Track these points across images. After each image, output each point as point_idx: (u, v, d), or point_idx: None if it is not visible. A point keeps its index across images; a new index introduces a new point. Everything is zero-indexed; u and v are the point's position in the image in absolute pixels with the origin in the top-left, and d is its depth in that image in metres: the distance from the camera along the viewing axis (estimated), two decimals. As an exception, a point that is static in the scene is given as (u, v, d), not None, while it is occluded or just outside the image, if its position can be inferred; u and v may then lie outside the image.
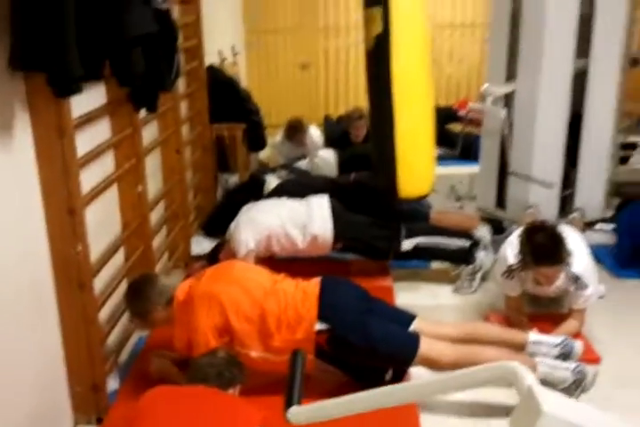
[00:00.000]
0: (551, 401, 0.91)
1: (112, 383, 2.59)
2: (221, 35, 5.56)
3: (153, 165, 3.39)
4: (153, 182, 3.28)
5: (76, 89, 2.04)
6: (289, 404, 1.32)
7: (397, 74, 3.14)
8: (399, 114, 3.19)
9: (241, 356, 2.42)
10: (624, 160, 5.06)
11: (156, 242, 3.33)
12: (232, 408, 1.90)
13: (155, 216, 3.30)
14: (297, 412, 1.31)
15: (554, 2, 3.74)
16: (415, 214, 3.66)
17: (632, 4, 3.92)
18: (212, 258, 3.38)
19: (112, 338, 2.68)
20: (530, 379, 0.96)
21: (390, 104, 3.18)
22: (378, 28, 3.12)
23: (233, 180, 4.70)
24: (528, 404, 0.92)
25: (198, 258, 3.74)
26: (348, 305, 2.50)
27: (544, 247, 2.61)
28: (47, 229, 2.19)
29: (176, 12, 3.64)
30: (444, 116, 6.05)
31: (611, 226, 4.01)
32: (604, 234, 3.97)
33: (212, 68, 4.61)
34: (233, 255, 3.27)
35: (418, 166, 3.27)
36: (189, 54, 3.98)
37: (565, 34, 3.81)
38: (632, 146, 5.49)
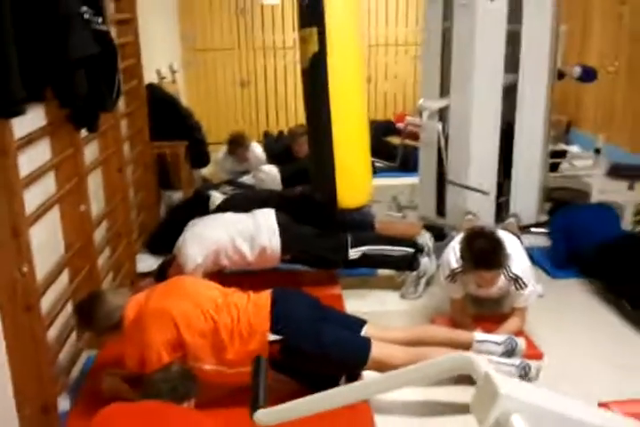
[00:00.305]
0: (508, 384, 0.96)
1: (63, 404, 2.54)
2: (159, 54, 5.57)
3: (95, 185, 3.36)
4: (95, 202, 3.25)
5: (18, 111, 2.04)
6: (255, 407, 1.35)
7: (333, 90, 3.25)
8: (336, 128, 3.30)
9: (194, 369, 2.42)
10: (554, 167, 5.33)
11: (101, 261, 3.29)
12: (187, 421, 1.90)
13: (98, 235, 3.27)
14: (263, 414, 1.34)
15: (482, 20, 3.93)
16: (360, 224, 3.74)
17: (557, 19, 4.16)
18: (160, 275, 3.36)
19: (61, 358, 2.63)
20: (485, 366, 1.01)
21: (327, 119, 3.29)
22: (314, 48, 3.22)
23: (176, 196, 4.68)
24: (486, 389, 0.97)
25: (144, 275, 3.72)
26: (300, 314, 2.54)
27: (483, 253, 2.71)
28: (-9, 249, 2.15)
29: (114, 33, 3.64)
30: (383, 129, 6.23)
31: (544, 230, 4.20)
32: (539, 237, 4.15)
33: (151, 87, 4.61)
34: (182, 271, 3.26)
35: (355, 177, 3.39)
36: (128, 74, 3.97)
37: (495, 50, 4.01)
38: (561, 154, 5.78)
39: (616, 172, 4.92)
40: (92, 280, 3.02)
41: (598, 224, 3.65)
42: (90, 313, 2.52)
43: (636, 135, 5.46)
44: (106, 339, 2.56)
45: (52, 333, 2.57)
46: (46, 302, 2.52)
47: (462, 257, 2.79)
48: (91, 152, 3.32)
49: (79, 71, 2.31)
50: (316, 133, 3.46)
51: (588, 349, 2.94)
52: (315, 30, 3.17)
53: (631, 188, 4.44)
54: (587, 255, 3.50)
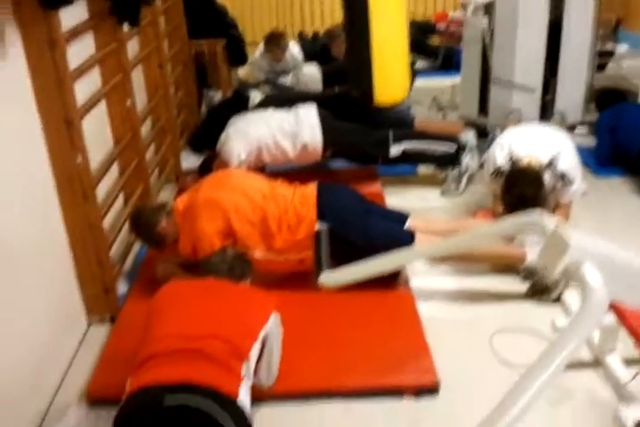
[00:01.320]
0: (577, 236, 1.01)
1: (121, 287, 2.69)
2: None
3: (137, 81, 3.36)
4: (139, 98, 3.27)
5: (66, 0, 2.02)
6: (319, 271, 1.42)
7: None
8: (374, 22, 3.19)
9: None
10: (601, 67, 5.13)
11: (148, 156, 3.35)
12: (247, 295, 2.00)
13: (144, 131, 3.31)
14: (327, 277, 1.41)
15: None
16: (400, 122, 3.70)
17: None
18: (204, 170, 3.41)
19: (116, 246, 2.75)
20: (554, 223, 1.06)
21: (365, 13, 3.17)
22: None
23: (216, 96, 4.67)
24: (554, 242, 1.02)
25: (188, 173, 3.79)
26: (346, 205, 2.60)
27: (522, 200, 2.60)
28: (46, 141, 2.21)
29: None
30: (424, 29, 6.01)
31: (589, 129, 4.12)
32: (584, 137, 4.09)
33: (186, -17, 4.47)
34: (226, 167, 3.31)
35: (391, 73, 3.32)
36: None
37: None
38: (608, 53, 5.55)
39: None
40: (140, 174, 3.10)
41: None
42: (141, 217, 2.64)
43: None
44: (163, 240, 2.63)
45: (107, 222, 2.67)
46: (101, 192, 2.60)
47: (502, 198, 2.74)
48: (132, 48, 3.29)
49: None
50: (352, 28, 3.36)
51: (629, 246, 2.95)
52: None
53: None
54: (632, 154, 3.45)
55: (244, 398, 1.67)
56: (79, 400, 2.11)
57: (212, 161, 3.45)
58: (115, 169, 2.91)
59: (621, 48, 5.94)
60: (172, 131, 3.78)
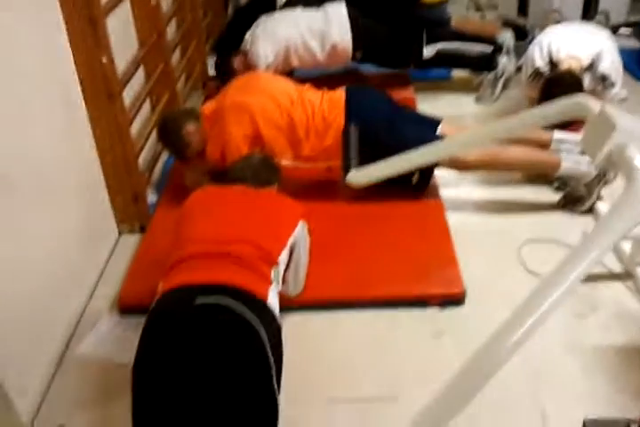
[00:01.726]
0: (625, 118, 0.95)
1: (150, 197, 2.69)
2: None
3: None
4: (163, -2, 3.13)
5: None
6: (347, 169, 1.39)
7: None
8: None
9: (273, 163, 2.50)
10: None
11: (174, 60, 3.26)
12: (275, 202, 2.00)
13: (169, 33, 3.20)
14: (355, 175, 1.39)
15: None
16: (436, 21, 3.52)
17: None
18: (221, 70, 3.31)
19: (144, 154, 2.74)
20: (600, 104, 1.00)
21: None
22: None
23: (243, -2, 4.45)
24: (600, 123, 0.95)
25: (215, 78, 3.70)
26: (376, 108, 2.52)
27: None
28: (70, 41, 2.14)
29: None
30: None
31: (634, 31, 3.89)
32: (628, 38, 3.86)
33: None
34: (252, 69, 3.22)
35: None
36: None
37: None
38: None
39: None
40: (167, 80, 3.03)
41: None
42: (169, 122, 2.58)
43: None
44: (191, 146, 2.56)
45: (134, 128, 2.65)
46: (127, 98, 2.55)
47: (539, 104, 2.59)
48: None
49: None
50: None
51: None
52: None
53: None
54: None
55: (272, 301, 1.71)
56: (110, 308, 2.16)
57: (228, 60, 3.31)
58: (140, 73, 2.84)
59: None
60: (197, 34, 3.66)
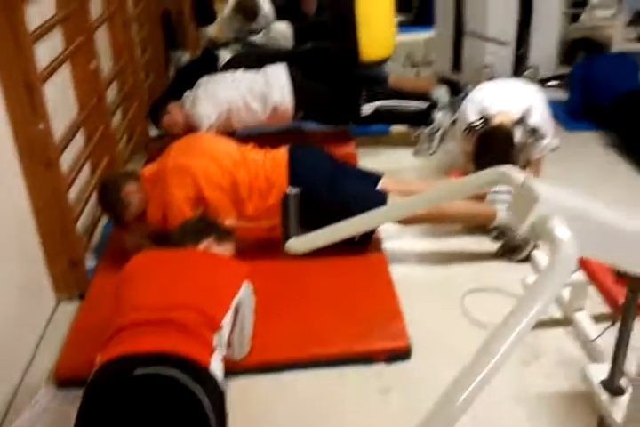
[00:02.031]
0: (547, 189, 0.99)
1: (89, 262, 2.62)
2: None
3: (102, 43, 3.26)
4: (103, 61, 3.17)
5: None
6: (287, 237, 1.41)
7: None
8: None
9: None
10: (574, 18, 5.06)
11: (115, 123, 3.28)
12: (218, 264, 1.98)
13: (110, 96, 3.23)
14: (295, 242, 1.40)
15: None
16: (374, 79, 3.64)
17: None
18: (154, 115, 3.34)
19: (83, 219, 2.69)
20: (523, 176, 1.04)
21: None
22: None
23: (185, 57, 4.55)
24: (524, 194, 0.99)
25: (158, 139, 3.71)
26: (318, 167, 2.57)
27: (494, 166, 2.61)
28: (6, 106, 2.14)
29: None
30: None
31: (563, 82, 4.10)
32: (556, 90, 4.06)
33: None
34: (191, 127, 3.25)
35: (379, 29, 3.24)
36: None
37: None
38: (581, 3, 5.45)
39: (638, 20, 4.67)
40: (107, 142, 3.04)
41: (617, 76, 3.56)
42: (108, 186, 2.54)
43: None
44: (131, 210, 2.53)
45: (73, 192, 2.62)
46: (65, 162, 2.54)
47: (474, 161, 2.72)
48: (95, 7, 3.18)
49: None
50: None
51: (603, 199, 2.97)
52: None
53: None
54: (603, 107, 3.44)
55: (215, 367, 1.68)
56: (47, 381, 2.07)
57: (163, 105, 3.34)
58: (80, 137, 2.84)
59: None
60: (139, 95, 3.69)
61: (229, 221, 2.52)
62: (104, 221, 2.93)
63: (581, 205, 1.01)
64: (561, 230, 0.94)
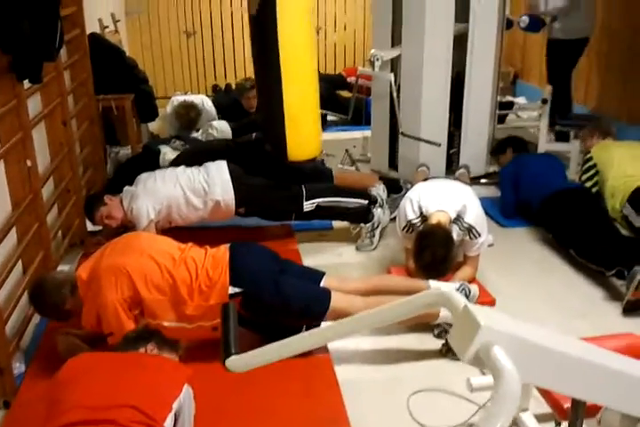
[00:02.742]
0: (488, 316, 0.97)
1: (17, 367, 2.48)
2: (101, 1, 5.31)
3: (39, 140, 3.23)
4: (41, 157, 3.13)
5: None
6: (227, 354, 1.35)
7: (282, 38, 3.14)
8: (285, 78, 3.21)
9: (154, 327, 2.41)
10: (501, 119, 5.39)
11: (50, 219, 3.20)
12: (159, 366, 1.89)
13: (46, 192, 3.17)
14: (235, 360, 1.34)
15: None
16: (319, 175, 3.73)
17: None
18: (91, 209, 3.32)
19: (13, 320, 2.56)
20: (464, 300, 1.02)
21: (276, 68, 3.20)
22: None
23: (124, 153, 4.55)
24: (465, 322, 0.98)
25: (94, 234, 3.64)
26: (259, 266, 2.54)
27: (432, 265, 2.72)
28: None
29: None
30: (335, 83, 6.16)
31: (494, 180, 4.29)
32: (488, 188, 4.24)
33: (93, 36, 4.40)
34: (130, 223, 3.21)
35: (304, 130, 3.34)
36: (69, 22, 3.77)
37: (445, -1, 3.97)
38: (508, 105, 5.85)
39: (563, 122, 5.01)
40: (41, 240, 2.94)
41: (544, 175, 3.74)
42: (43, 292, 2.46)
43: (580, 86, 5.55)
44: (68, 312, 2.46)
45: (2, 293, 2.50)
46: (-4, 262, 2.44)
47: (414, 258, 2.81)
48: (34, 105, 3.18)
49: (21, 13, 2.18)
50: (264, 84, 3.38)
51: (537, 293, 3.05)
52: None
53: (576, 137, 4.53)
54: (533, 206, 3.59)
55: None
56: None
57: (101, 200, 3.31)
58: (13, 235, 2.75)
59: (519, 100, 6.29)
60: (76, 191, 3.63)
61: (168, 323, 2.43)
62: (36, 319, 2.79)
63: (525, 332, 1.01)
64: (503, 360, 0.93)
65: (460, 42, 4.16)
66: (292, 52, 3.19)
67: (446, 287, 2.69)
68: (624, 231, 3.45)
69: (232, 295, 2.44)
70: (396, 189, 3.81)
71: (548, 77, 5.04)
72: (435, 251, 2.70)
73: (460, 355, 0.97)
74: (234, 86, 6.08)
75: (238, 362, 1.34)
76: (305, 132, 3.36)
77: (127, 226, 3.31)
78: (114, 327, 2.36)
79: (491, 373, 0.93)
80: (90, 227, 3.71)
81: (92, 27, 4.56)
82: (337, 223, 3.73)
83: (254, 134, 4.33)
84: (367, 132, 4.84)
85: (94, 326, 2.41)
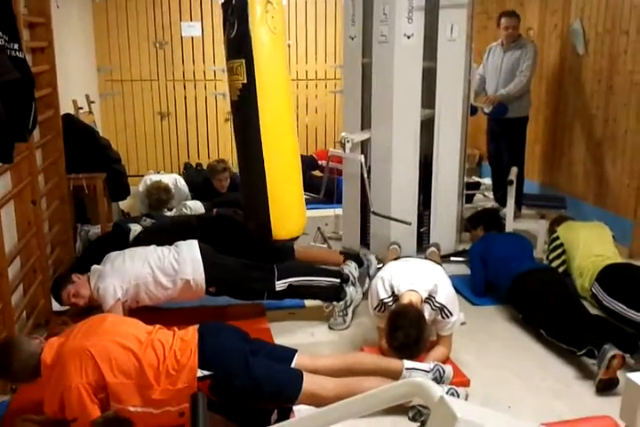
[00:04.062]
0: (464, 408, 0.96)
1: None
2: (76, 83, 5.44)
3: (7, 218, 3.21)
4: (8, 236, 3.09)
5: None
6: None
7: (263, 121, 3.24)
8: (268, 159, 3.27)
9: (119, 411, 2.31)
10: (469, 199, 5.54)
11: (15, 299, 3.11)
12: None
13: (12, 272, 3.10)
14: None
15: (400, 56, 4.08)
16: (281, 250, 3.72)
17: (469, 56, 4.37)
18: (57, 289, 3.25)
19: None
20: (439, 391, 1.01)
21: (258, 150, 3.27)
22: (242, 79, 3.23)
23: (94, 231, 4.52)
24: (442, 413, 0.96)
25: (60, 314, 3.54)
26: (229, 348, 2.48)
27: (405, 346, 2.73)
28: None
29: (29, 60, 3.53)
30: (308, 164, 6.30)
31: (463, 258, 4.34)
32: (458, 265, 4.28)
33: (67, 117, 4.47)
34: (97, 303, 3.15)
35: (289, 209, 3.37)
36: (43, 103, 3.85)
37: (412, 85, 4.17)
38: (474, 185, 6.03)
39: (529, 202, 5.16)
40: (5, 319, 2.86)
41: (512, 255, 3.78)
42: (4, 362, 2.38)
43: (545, 167, 5.77)
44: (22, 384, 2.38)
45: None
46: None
47: (386, 338, 2.80)
48: (4, 184, 3.18)
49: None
50: (247, 165, 3.43)
51: (511, 373, 3.02)
52: (242, 62, 3.18)
53: (542, 217, 4.65)
54: (502, 286, 3.62)
55: None
56: None
57: (68, 279, 3.25)
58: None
59: (485, 181, 6.48)
60: (43, 270, 3.57)
61: (133, 408, 2.34)
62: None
63: (500, 425, 1.00)
64: None
65: (428, 126, 4.32)
66: (274, 135, 3.27)
67: (422, 376, 2.66)
68: (593, 310, 3.48)
69: (201, 378, 2.36)
70: (358, 262, 3.81)
71: (510, 157, 5.29)
72: (408, 332, 2.69)
73: None
74: (205, 167, 6.18)
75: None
76: (290, 212, 3.38)
77: (94, 306, 3.24)
78: (77, 413, 2.26)
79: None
80: (55, 306, 3.62)
81: (66, 107, 4.65)
82: (309, 302, 3.70)
83: (215, 210, 4.36)
84: (339, 211, 4.90)
85: (57, 413, 2.30)
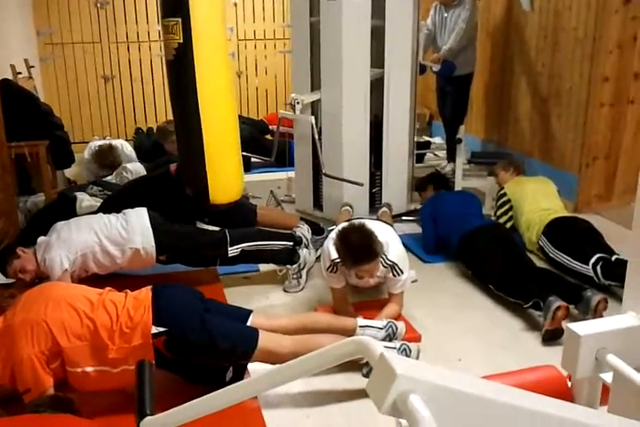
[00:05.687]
0: (404, 364, 0.96)
1: None
2: (13, 48, 5.21)
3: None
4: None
5: None
6: (141, 415, 1.28)
7: (200, 82, 3.17)
8: (204, 121, 3.22)
9: (76, 375, 2.31)
10: (419, 158, 5.57)
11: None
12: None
13: (-46, 244, 3.01)
14: (150, 422, 1.27)
15: (348, 16, 4.02)
16: (243, 210, 3.70)
17: (417, 15, 4.33)
18: (3, 262, 3.18)
19: None
20: (380, 348, 1.01)
21: (195, 112, 3.20)
22: (178, 38, 3.13)
23: (38, 200, 4.39)
24: (382, 370, 0.95)
25: (6, 287, 3.46)
26: (183, 305, 2.48)
27: (358, 249, 2.78)
28: None
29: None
30: (259, 128, 6.23)
31: (414, 217, 4.40)
32: (410, 224, 4.33)
33: (5, 82, 4.29)
34: (43, 275, 3.09)
35: (225, 173, 3.34)
36: (-22, 68, 3.69)
37: (361, 45, 4.12)
38: (425, 145, 6.06)
39: (476, 160, 5.23)
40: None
41: (461, 212, 3.85)
42: None
43: (490, 124, 5.82)
44: None
45: None
46: None
47: (340, 256, 2.85)
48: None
49: None
50: (184, 128, 3.36)
51: (462, 328, 3.10)
52: (179, 20, 3.08)
53: (490, 174, 4.72)
54: (452, 243, 3.69)
55: None
56: None
57: (13, 252, 3.18)
58: None
59: (436, 140, 6.53)
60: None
61: (90, 369, 2.33)
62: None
63: (442, 380, 1.00)
64: (421, 409, 0.91)
65: (377, 86, 4.30)
66: (211, 97, 3.21)
67: (375, 333, 2.72)
68: (540, 263, 3.58)
69: (155, 335, 2.36)
70: (319, 231, 3.83)
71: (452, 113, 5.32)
72: (357, 235, 2.79)
73: (378, 405, 0.94)
74: (155, 130, 6.04)
75: (154, 423, 1.27)
76: (226, 176, 3.35)
77: (42, 277, 3.18)
78: (30, 383, 2.24)
79: (408, 423, 0.91)
80: (1, 279, 3.53)
81: (3, 73, 4.46)
82: (263, 266, 3.71)
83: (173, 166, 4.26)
84: (291, 174, 4.88)
85: (7, 384, 2.27)
